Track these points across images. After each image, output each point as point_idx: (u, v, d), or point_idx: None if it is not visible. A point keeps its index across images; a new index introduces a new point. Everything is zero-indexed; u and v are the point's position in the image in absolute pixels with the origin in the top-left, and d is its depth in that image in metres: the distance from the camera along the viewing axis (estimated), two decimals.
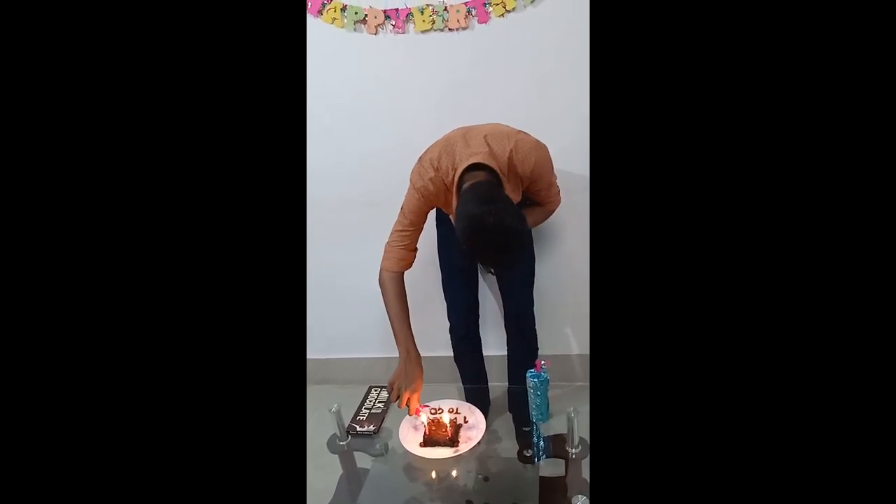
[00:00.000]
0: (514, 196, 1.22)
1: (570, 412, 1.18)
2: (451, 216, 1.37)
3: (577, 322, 1.85)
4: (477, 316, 1.63)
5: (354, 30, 1.55)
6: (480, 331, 1.66)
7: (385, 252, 1.31)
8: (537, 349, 1.60)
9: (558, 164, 1.58)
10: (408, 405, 1.25)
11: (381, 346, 1.89)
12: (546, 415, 1.24)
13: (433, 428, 1.21)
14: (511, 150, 1.18)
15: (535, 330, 1.59)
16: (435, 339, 1.84)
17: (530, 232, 1.10)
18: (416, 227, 1.28)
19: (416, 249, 1.32)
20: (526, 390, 1.22)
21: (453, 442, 1.20)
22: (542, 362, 1.20)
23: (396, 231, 1.29)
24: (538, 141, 1.24)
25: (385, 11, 1.52)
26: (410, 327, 1.32)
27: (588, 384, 1.78)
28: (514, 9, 1.47)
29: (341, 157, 1.72)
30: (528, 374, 1.21)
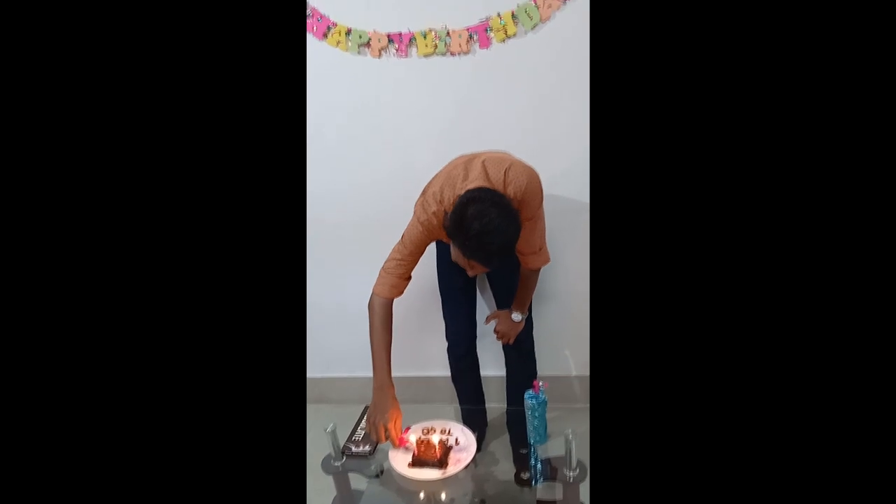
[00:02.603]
0: None
1: (567, 434, 1.17)
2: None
3: (577, 343, 1.85)
4: (475, 336, 1.63)
5: (358, 53, 1.59)
6: (479, 351, 1.65)
7: (380, 277, 1.31)
8: (536, 370, 1.59)
9: (558, 188, 1.63)
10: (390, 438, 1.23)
11: None
12: (544, 436, 1.23)
13: (422, 448, 1.20)
14: (506, 171, 1.20)
15: (533, 351, 1.59)
16: (432, 358, 1.84)
17: (517, 229, 1.11)
18: (415, 257, 1.30)
19: (410, 278, 1.33)
20: (524, 411, 1.21)
21: (442, 463, 1.18)
22: (541, 383, 1.19)
23: (395, 259, 1.30)
24: (532, 169, 1.26)
25: (389, 35, 1.55)
26: (390, 357, 1.31)
27: (587, 406, 1.78)
28: (514, 34, 1.51)
29: (343, 177, 1.74)
30: (525, 396, 1.20)
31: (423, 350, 1.88)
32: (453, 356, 1.62)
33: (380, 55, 1.58)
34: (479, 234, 1.05)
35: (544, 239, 1.34)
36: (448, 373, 1.66)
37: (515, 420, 1.51)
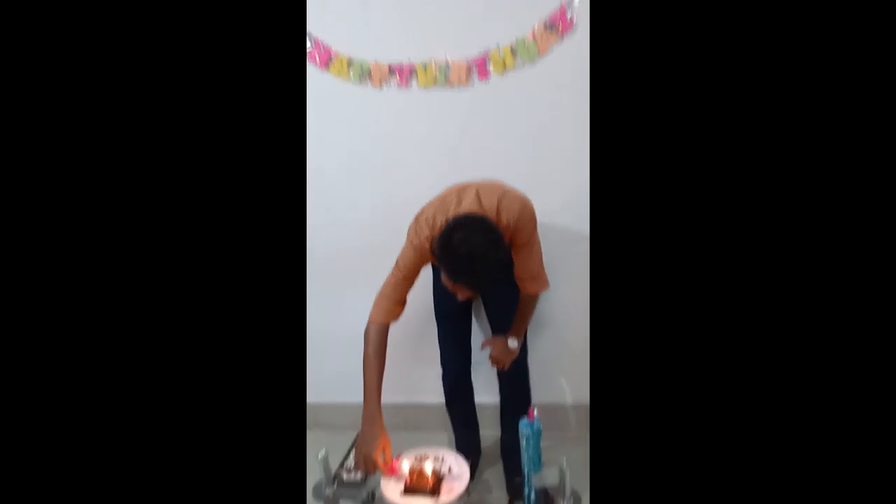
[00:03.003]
0: None
1: (562, 463, 1.16)
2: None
3: (572, 371, 1.85)
4: (469, 362, 1.63)
5: (360, 83, 1.62)
6: (473, 378, 1.65)
7: (375, 303, 1.32)
8: (530, 397, 1.59)
9: (555, 219, 1.66)
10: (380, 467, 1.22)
11: None
12: (538, 465, 1.22)
13: (414, 477, 1.19)
14: (499, 199, 1.23)
15: (528, 378, 1.59)
16: (426, 384, 1.83)
17: (505, 257, 1.14)
18: (409, 281, 1.31)
19: (405, 303, 1.34)
20: (518, 439, 1.21)
21: (434, 492, 1.17)
22: (535, 411, 1.19)
23: (389, 284, 1.31)
24: (525, 197, 1.29)
25: (390, 66, 1.59)
26: (380, 387, 1.31)
27: (581, 435, 1.77)
28: (513, 67, 1.55)
29: (342, 204, 1.76)
30: (521, 424, 1.20)
31: (416, 376, 1.87)
32: (447, 382, 1.62)
33: (381, 85, 1.62)
34: (465, 258, 1.08)
35: (542, 264, 1.35)
36: (441, 399, 1.65)
37: (509, 448, 1.50)
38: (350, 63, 1.60)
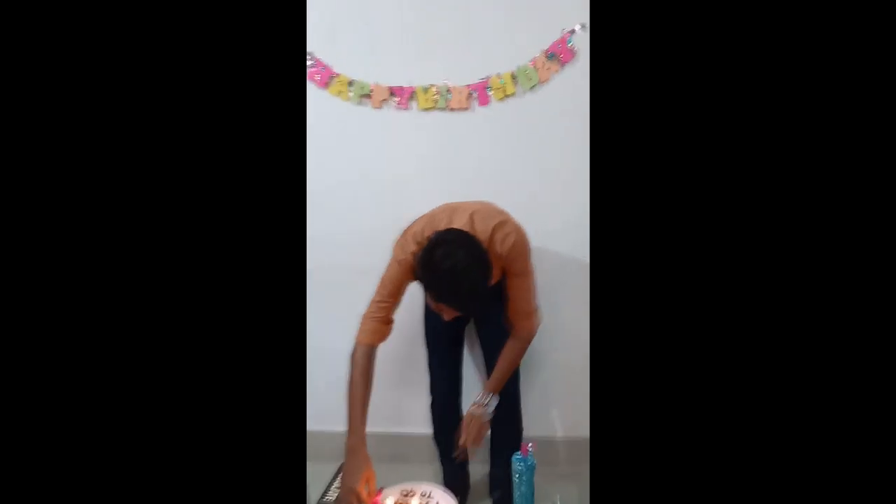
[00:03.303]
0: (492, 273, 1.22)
1: (556, 500, 1.11)
2: None
3: (565, 404, 1.79)
4: (459, 391, 1.57)
5: (359, 103, 1.61)
6: (463, 409, 1.59)
7: (361, 324, 1.27)
8: (521, 429, 1.53)
9: (552, 245, 1.63)
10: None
11: None
12: (531, 503, 1.16)
13: None
14: (494, 228, 1.20)
15: (519, 408, 1.53)
16: (413, 414, 1.77)
17: (487, 273, 1.08)
18: (395, 298, 1.26)
19: (392, 322, 1.29)
20: (509, 474, 1.15)
21: None
22: (530, 445, 1.14)
23: (374, 302, 1.27)
24: (521, 228, 1.26)
25: (390, 88, 1.59)
26: (366, 414, 1.24)
27: (575, 471, 1.70)
28: (514, 94, 1.55)
29: (334, 226, 1.73)
30: (513, 459, 1.14)
31: (403, 405, 1.80)
32: (436, 411, 1.55)
33: (380, 106, 1.61)
34: (447, 275, 1.04)
35: (535, 300, 1.30)
36: (430, 430, 1.59)
37: (499, 484, 1.43)
38: (350, 84, 1.60)
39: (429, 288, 1.09)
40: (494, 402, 1.34)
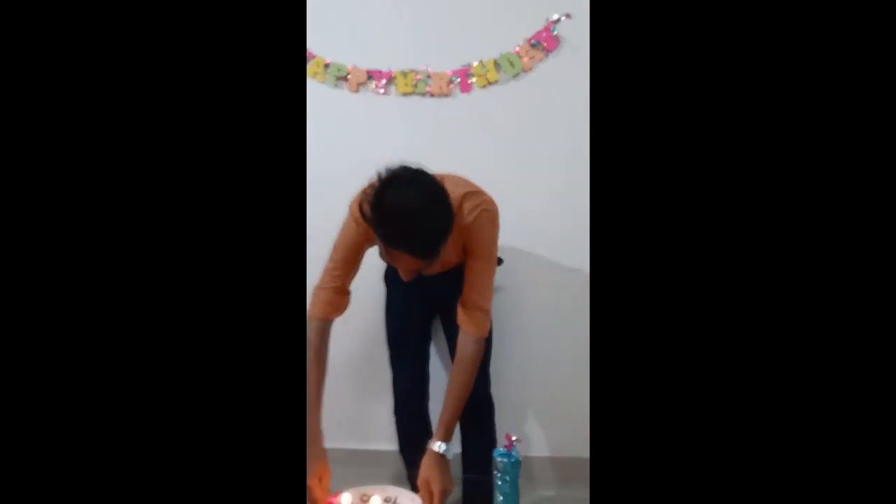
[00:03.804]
0: (453, 251, 1.10)
1: None
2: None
3: (543, 419, 1.65)
4: (427, 394, 1.41)
5: (335, 86, 1.54)
6: (432, 415, 1.43)
7: (313, 295, 1.13)
8: (495, 440, 1.37)
9: (532, 240, 1.55)
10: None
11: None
12: None
13: None
14: (464, 195, 1.07)
15: (493, 416, 1.38)
16: (377, 428, 1.60)
17: (447, 213, 0.94)
18: (350, 265, 1.12)
19: (348, 293, 1.15)
20: (485, 481, 1.00)
21: None
22: (515, 438, 0.99)
23: (328, 270, 1.13)
24: (495, 205, 1.12)
25: (368, 72, 1.52)
26: (321, 399, 1.09)
27: (561, 496, 1.54)
28: (496, 81, 1.50)
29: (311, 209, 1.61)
30: (494, 453, 1.00)
31: (366, 417, 1.65)
32: (402, 417, 1.39)
33: (357, 90, 1.53)
34: (400, 214, 0.90)
35: (490, 301, 1.13)
36: (394, 446, 1.44)
37: (475, 490, 1.24)
38: (327, 66, 1.52)
39: (380, 231, 0.93)
40: (451, 451, 1.09)
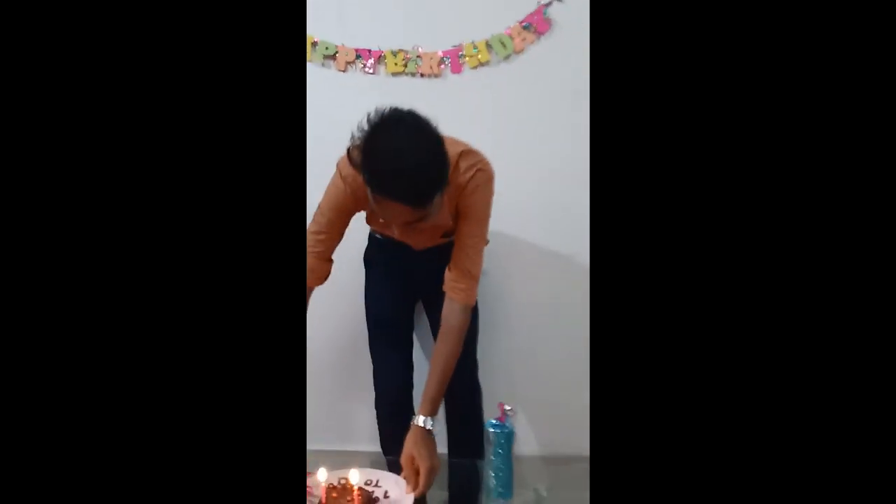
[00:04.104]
0: (447, 210, 1.04)
1: (539, 490, 0.88)
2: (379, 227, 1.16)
3: (533, 417, 1.56)
4: (411, 384, 1.32)
5: (323, 65, 1.50)
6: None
7: None
8: (483, 426, 1.27)
9: (515, 224, 1.49)
10: None
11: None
12: (509, 489, 0.91)
13: (333, 496, 0.86)
14: (461, 153, 1.02)
15: (481, 406, 1.30)
16: (358, 428, 1.50)
17: (441, 155, 0.89)
18: (334, 229, 1.06)
19: (331, 261, 1.09)
20: (472, 465, 0.91)
21: None
22: (508, 407, 0.92)
23: (311, 234, 1.06)
24: (491, 167, 1.08)
25: (357, 50, 1.49)
26: None
27: (547, 495, 1.45)
28: (487, 62, 1.48)
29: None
30: (486, 425, 0.92)
31: (346, 417, 1.56)
32: (385, 410, 1.30)
33: (345, 69, 1.50)
34: (392, 154, 0.84)
35: (479, 271, 1.08)
36: (376, 447, 1.33)
37: (461, 474, 1.13)
38: (314, 44, 1.49)
39: (370, 176, 0.87)
40: (430, 422, 1.02)
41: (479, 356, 1.35)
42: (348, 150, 0.91)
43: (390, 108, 0.90)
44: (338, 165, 1.06)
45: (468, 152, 1.05)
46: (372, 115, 0.90)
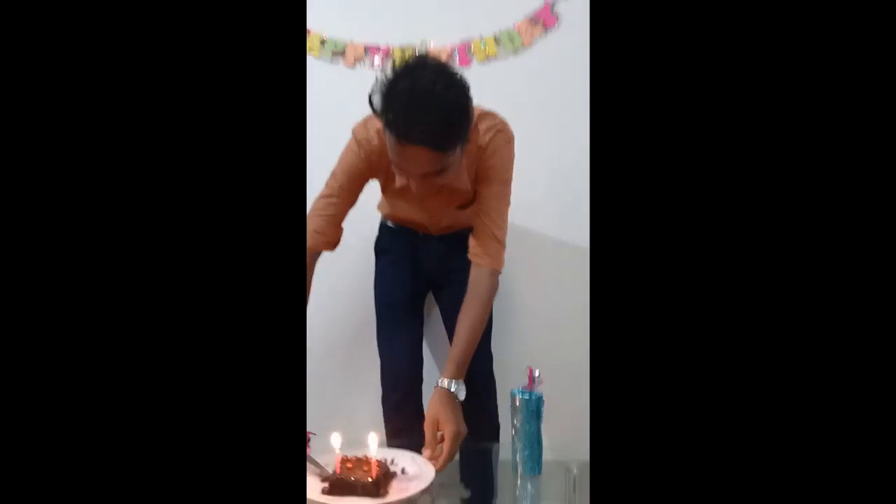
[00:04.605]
0: (464, 174, 1.01)
1: (570, 466, 0.81)
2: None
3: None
4: (421, 375, 1.25)
5: (331, 61, 1.51)
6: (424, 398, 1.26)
7: (307, 228, 1.03)
8: (498, 427, 1.20)
9: (524, 220, 1.46)
10: None
11: None
12: (539, 464, 0.84)
13: (348, 466, 0.78)
14: (479, 115, 0.99)
15: (495, 400, 1.21)
16: (361, 424, 1.41)
17: (465, 95, 0.86)
18: (347, 194, 1.03)
19: (341, 229, 1.05)
20: (484, 452, 0.84)
21: (378, 487, 0.76)
22: (537, 372, 0.85)
23: (322, 197, 1.03)
24: (510, 127, 1.06)
25: (365, 47, 1.50)
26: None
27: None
28: (496, 55, 1.49)
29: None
30: (513, 392, 0.85)
31: (347, 413, 1.45)
32: (390, 403, 1.22)
33: (354, 65, 1.50)
34: (414, 93, 0.81)
35: (506, 234, 1.05)
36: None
37: (473, 459, 1.04)
38: (323, 41, 1.50)
39: (391, 116, 0.84)
40: (462, 392, 0.96)
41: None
42: (369, 96, 0.89)
43: (414, 56, 0.89)
44: (353, 130, 1.05)
45: (486, 114, 1.03)
46: (394, 62, 0.88)
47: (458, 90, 0.87)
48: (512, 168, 1.05)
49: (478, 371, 1.13)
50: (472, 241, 1.04)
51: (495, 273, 1.02)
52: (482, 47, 1.49)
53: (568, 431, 1.43)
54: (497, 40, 1.49)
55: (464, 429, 0.90)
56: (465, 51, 1.50)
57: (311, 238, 1.01)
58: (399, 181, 0.97)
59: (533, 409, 0.83)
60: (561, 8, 1.49)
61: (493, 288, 1.03)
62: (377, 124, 0.98)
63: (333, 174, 1.04)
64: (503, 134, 1.02)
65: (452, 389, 0.93)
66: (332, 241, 1.05)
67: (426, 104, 0.82)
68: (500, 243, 1.03)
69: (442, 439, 0.87)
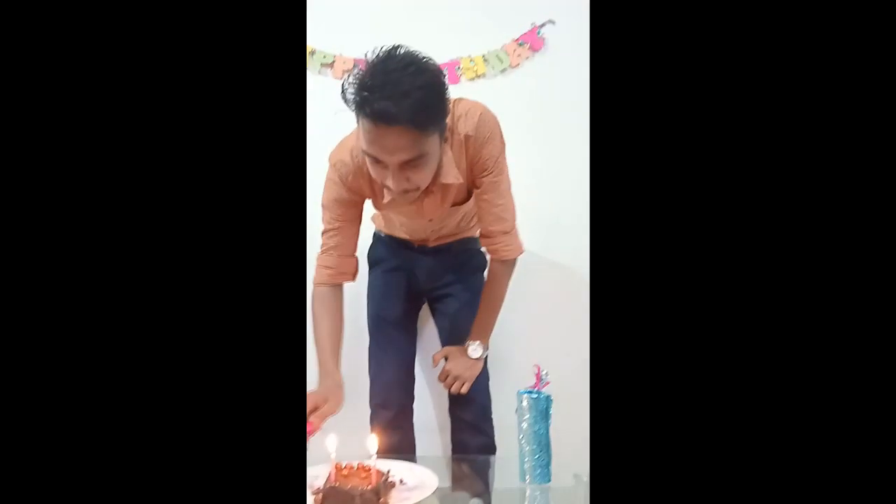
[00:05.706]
0: (454, 170, 0.99)
1: (579, 476, 0.77)
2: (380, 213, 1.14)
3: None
4: (412, 392, 1.20)
5: (319, 73, 1.50)
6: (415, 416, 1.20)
7: (316, 266, 1.02)
8: (493, 441, 1.15)
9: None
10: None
11: None
12: (548, 471, 0.79)
13: (343, 475, 0.72)
14: (454, 102, 0.97)
15: (490, 413, 1.17)
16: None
17: (439, 80, 0.86)
18: (347, 222, 1.02)
19: (354, 258, 1.04)
20: (478, 463, 0.82)
21: (378, 496, 0.70)
22: (545, 372, 0.82)
23: (323, 234, 1.03)
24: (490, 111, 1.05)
25: (355, 60, 1.50)
26: (339, 346, 0.98)
27: None
28: (484, 74, 1.51)
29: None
30: (520, 392, 0.81)
31: (340, 421, 1.38)
32: (380, 418, 1.15)
33: (342, 77, 1.49)
34: (389, 76, 0.80)
35: (515, 216, 1.07)
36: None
37: (467, 469, 1.01)
38: (313, 52, 1.49)
39: (366, 100, 0.81)
40: (480, 351, 1.04)
41: None
42: (342, 87, 0.86)
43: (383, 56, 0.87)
44: (329, 157, 1.04)
45: (460, 99, 1.01)
46: (368, 54, 0.87)
47: (431, 72, 0.86)
48: (504, 151, 1.04)
49: (474, 389, 1.09)
50: (483, 241, 1.07)
51: (513, 261, 1.08)
52: (471, 65, 1.51)
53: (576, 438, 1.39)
54: (486, 60, 1.52)
55: (477, 367, 1.00)
56: (455, 68, 1.51)
57: (326, 276, 1.01)
58: (387, 196, 0.95)
59: (542, 410, 0.79)
60: (547, 33, 1.54)
61: (511, 271, 1.10)
62: (350, 142, 0.98)
63: (324, 207, 1.03)
64: (486, 114, 1.00)
65: (475, 356, 1.05)
66: (347, 272, 1.04)
67: (400, 82, 0.80)
68: (508, 233, 1.05)
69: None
